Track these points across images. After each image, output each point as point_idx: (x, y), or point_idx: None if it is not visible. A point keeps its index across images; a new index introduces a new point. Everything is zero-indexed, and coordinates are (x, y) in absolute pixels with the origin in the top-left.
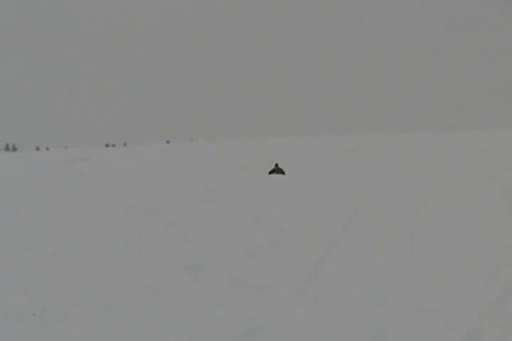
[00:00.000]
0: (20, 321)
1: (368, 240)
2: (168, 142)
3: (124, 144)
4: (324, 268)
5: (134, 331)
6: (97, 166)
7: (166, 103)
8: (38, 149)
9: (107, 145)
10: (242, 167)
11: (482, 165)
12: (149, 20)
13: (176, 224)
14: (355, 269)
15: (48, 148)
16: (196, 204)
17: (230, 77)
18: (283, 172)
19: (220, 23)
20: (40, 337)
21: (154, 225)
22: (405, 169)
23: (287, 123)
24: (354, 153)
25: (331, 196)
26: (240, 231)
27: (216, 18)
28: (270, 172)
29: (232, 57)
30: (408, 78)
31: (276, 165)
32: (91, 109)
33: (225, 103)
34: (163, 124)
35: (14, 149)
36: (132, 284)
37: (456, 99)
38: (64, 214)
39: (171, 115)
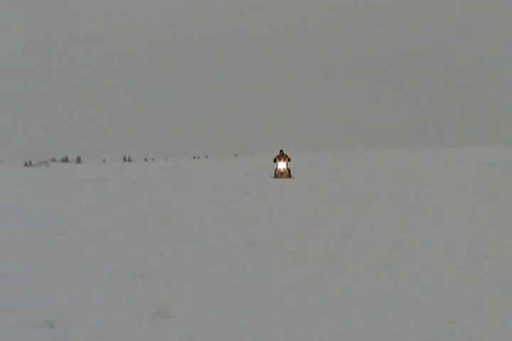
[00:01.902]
0: (131, 281)
1: (375, 220)
2: (236, 155)
3: (206, 156)
4: (345, 244)
5: (218, 285)
6: (184, 172)
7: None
8: (146, 160)
9: (194, 158)
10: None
11: (477, 174)
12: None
13: (238, 213)
14: (368, 245)
15: (152, 159)
16: (256, 199)
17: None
18: (288, 159)
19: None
20: (149, 292)
21: (225, 213)
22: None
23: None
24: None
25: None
26: (281, 218)
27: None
28: (275, 160)
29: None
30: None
31: (281, 151)
32: (185, 128)
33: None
34: (234, 138)
35: (129, 160)
36: (215, 253)
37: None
38: (156, 202)
39: (239, 130)
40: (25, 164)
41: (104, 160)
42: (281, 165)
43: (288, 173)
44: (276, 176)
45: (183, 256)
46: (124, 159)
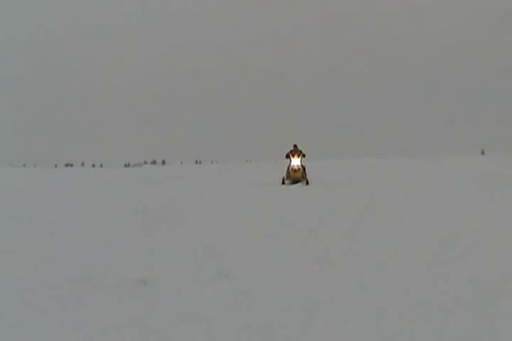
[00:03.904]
0: (203, 253)
1: (381, 212)
2: (276, 161)
3: (255, 160)
4: (359, 226)
5: (266, 255)
6: (237, 173)
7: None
8: (212, 163)
9: (246, 161)
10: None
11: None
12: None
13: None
14: (375, 229)
15: (217, 162)
16: (286, 195)
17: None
18: (303, 155)
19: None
20: (215, 261)
21: (263, 204)
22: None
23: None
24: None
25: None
26: (308, 208)
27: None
28: (288, 155)
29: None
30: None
31: (295, 146)
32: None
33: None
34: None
35: (200, 162)
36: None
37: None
38: (220, 194)
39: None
40: (125, 165)
41: (181, 163)
42: (295, 161)
43: (303, 172)
44: (288, 174)
45: (240, 234)
46: (196, 162)
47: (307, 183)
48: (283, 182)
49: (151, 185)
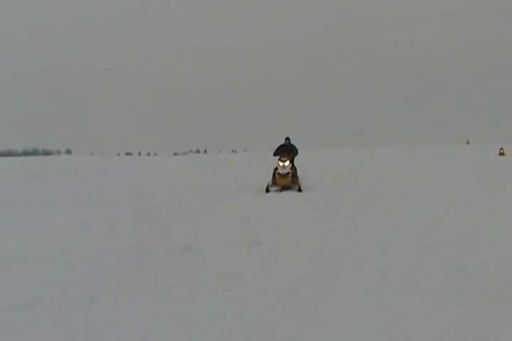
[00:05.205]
0: (238, 225)
1: (378, 198)
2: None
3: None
4: (358, 211)
5: (290, 227)
6: (266, 159)
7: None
8: (245, 151)
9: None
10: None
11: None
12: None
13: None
14: (370, 212)
15: (246, 150)
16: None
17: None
18: (296, 152)
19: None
20: (248, 231)
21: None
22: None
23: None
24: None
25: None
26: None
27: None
28: (276, 152)
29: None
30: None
31: (287, 139)
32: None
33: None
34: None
35: (236, 151)
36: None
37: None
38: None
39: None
40: (174, 154)
41: (220, 152)
42: (283, 163)
43: (293, 177)
44: (275, 180)
45: (270, 209)
46: (232, 151)
47: (299, 190)
48: (267, 190)
49: (197, 169)
